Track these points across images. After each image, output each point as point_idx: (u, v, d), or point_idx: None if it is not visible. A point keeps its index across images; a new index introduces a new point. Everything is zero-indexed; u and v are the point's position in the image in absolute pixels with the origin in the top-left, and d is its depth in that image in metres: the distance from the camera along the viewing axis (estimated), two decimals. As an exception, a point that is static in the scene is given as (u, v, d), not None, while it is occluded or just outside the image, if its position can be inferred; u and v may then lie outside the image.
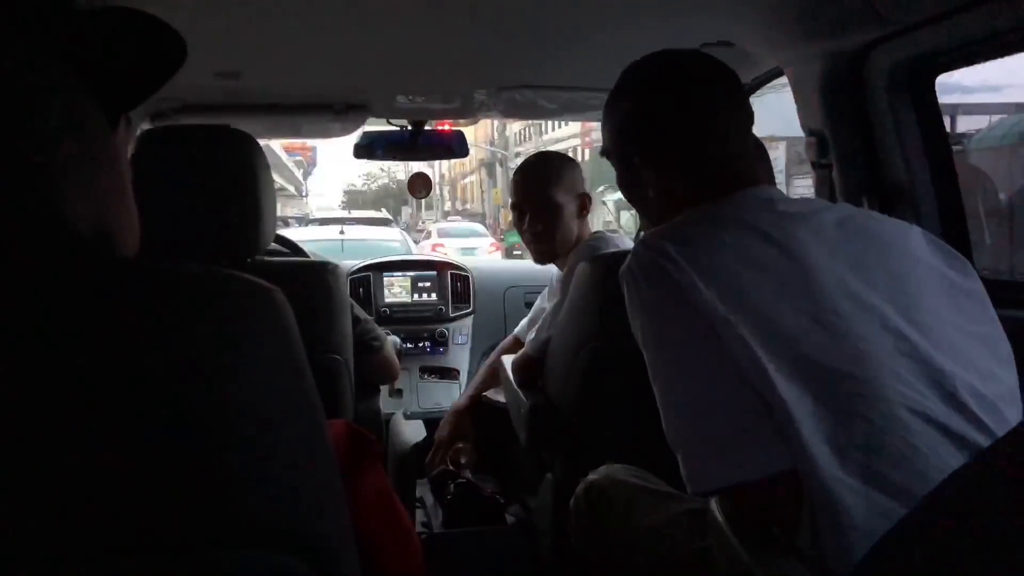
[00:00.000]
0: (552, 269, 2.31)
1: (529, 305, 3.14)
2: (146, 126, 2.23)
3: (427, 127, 2.69)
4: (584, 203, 2.16)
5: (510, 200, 2.25)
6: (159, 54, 0.65)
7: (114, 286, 0.48)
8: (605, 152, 1.24)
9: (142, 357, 0.46)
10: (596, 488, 1.32)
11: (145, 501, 0.44)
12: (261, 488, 0.48)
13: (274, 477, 0.49)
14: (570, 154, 3.46)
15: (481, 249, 16.33)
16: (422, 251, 11.05)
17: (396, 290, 3.13)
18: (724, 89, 1.14)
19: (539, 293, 3.15)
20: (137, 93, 0.65)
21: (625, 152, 1.19)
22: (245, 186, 1.44)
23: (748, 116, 1.16)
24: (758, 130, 1.65)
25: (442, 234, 19.04)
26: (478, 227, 22.06)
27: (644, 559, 1.17)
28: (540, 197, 2.12)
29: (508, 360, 2.12)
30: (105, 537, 0.43)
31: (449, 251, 13.57)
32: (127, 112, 0.65)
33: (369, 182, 55.99)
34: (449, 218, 37.16)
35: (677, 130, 1.12)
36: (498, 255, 16.26)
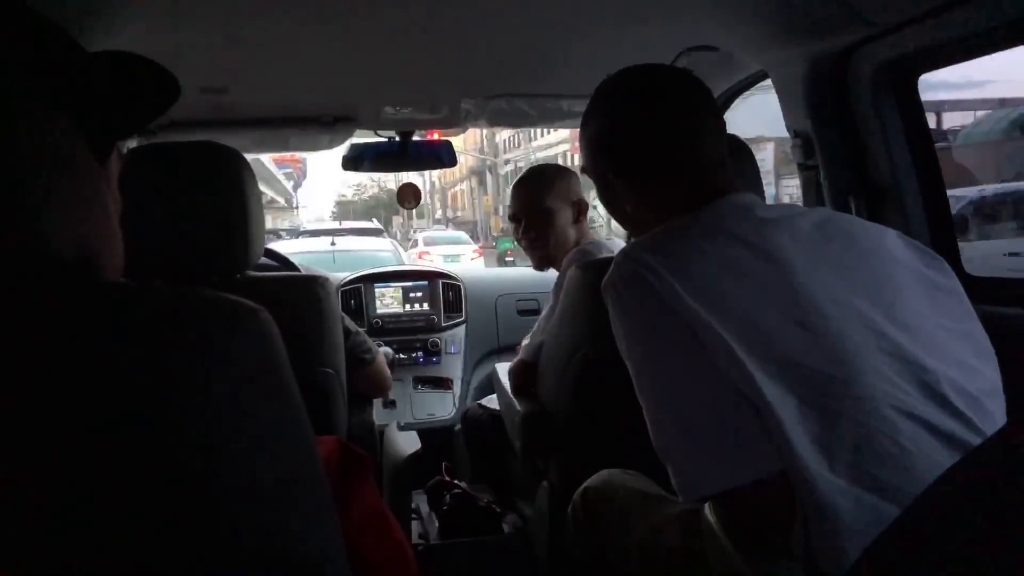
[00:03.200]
0: (552, 276, 2.33)
1: (521, 312, 3.15)
2: (133, 143, 2.22)
3: (415, 137, 2.69)
4: (581, 209, 2.21)
5: (509, 212, 2.31)
6: (151, 93, 0.66)
7: (95, 310, 0.48)
8: (583, 169, 1.26)
9: (124, 381, 0.45)
10: (592, 494, 1.32)
11: (131, 526, 0.44)
12: (250, 510, 0.48)
13: (263, 499, 0.49)
14: (559, 160, 3.49)
15: (465, 256, 17.13)
16: (410, 260, 11.07)
17: (388, 301, 3.13)
18: (694, 102, 1.15)
19: (531, 301, 3.16)
20: (128, 127, 0.66)
21: (600, 169, 1.20)
22: (233, 202, 1.44)
23: (720, 127, 1.17)
24: (746, 131, 1.67)
25: (428, 242, 19.47)
26: (462, 235, 23.20)
27: (638, 564, 1.17)
28: (533, 204, 2.18)
29: (502, 368, 2.12)
30: (90, 563, 0.43)
31: (434, 259, 13.75)
32: (117, 143, 0.65)
33: (359, 192, 55.99)
34: (434, 227, 37.36)
35: (648, 146, 1.13)
36: (481, 261, 16.83)
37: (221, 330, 0.50)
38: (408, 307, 3.13)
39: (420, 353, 3.10)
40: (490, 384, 2.54)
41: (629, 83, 1.18)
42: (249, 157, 1.57)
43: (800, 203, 1.86)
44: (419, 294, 3.15)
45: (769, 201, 1.36)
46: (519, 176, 2.35)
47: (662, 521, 1.16)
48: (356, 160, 2.72)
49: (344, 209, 54.82)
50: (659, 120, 1.13)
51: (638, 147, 1.14)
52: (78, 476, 0.43)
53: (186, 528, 0.46)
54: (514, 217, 2.25)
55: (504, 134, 35.52)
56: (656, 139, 1.13)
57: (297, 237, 14.39)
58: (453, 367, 3.11)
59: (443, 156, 2.80)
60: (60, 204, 0.55)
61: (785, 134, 1.86)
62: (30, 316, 0.46)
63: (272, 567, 0.48)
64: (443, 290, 3.16)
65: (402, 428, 2.40)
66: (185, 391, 0.47)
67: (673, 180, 1.13)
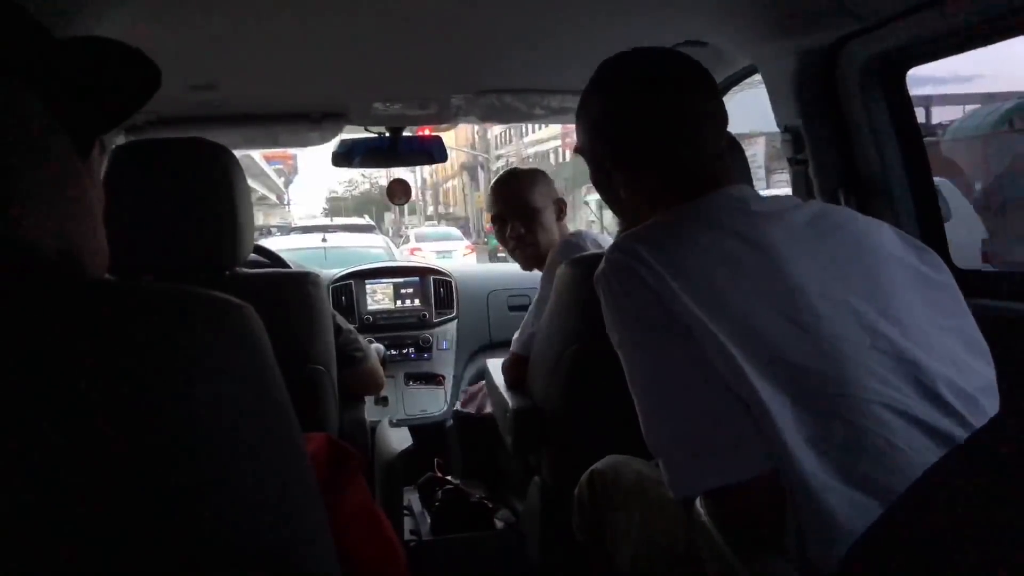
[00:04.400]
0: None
1: (512, 308, 3.15)
2: (121, 140, 2.21)
3: (406, 133, 2.68)
4: (561, 208, 2.23)
5: (492, 213, 2.29)
6: (132, 83, 0.65)
7: (76, 307, 0.47)
8: (579, 149, 1.22)
9: (106, 380, 0.45)
10: (599, 477, 1.31)
11: (114, 528, 0.44)
12: (236, 510, 0.47)
13: (250, 498, 0.48)
14: (551, 156, 3.50)
15: (456, 252, 16.89)
16: (402, 256, 11.04)
17: (379, 297, 3.12)
18: (697, 90, 1.12)
19: (522, 296, 3.17)
20: (110, 120, 0.65)
21: (597, 154, 1.17)
22: (221, 199, 1.43)
23: (722, 117, 1.14)
24: (737, 126, 1.67)
25: (420, 239, 19.34)
26: (453, 231, 22.95)
27: (637, 548, 1.17)
28: (518, 203, 2.18)
29: (493, 364, 2.12)
30: (73, 566, 0.43)
31: (426, 255, 13.70)
32: (100, 136, 0.64)
33: (351, 189, 55.83)
34: (426, 223, 37.29)
35: (649, 133, 1.10)
36: (473, 257, 16.71)
37: (205, 327, 0.50)
38: (399, 303, 3.13)
39: (411, 349, 3.10)
40: (482, 380, 2.54)
41: (633, 66, 1.15)
42: (239, 153, 1.56)
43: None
44: (410, 290, 3.15)
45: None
46: (496, 178, 2.35)
47: (662, 507, 1.15)
48: (346, 156, 2.71)
49: (335, 205, 54.61)
50: (661, 110, 1.10)
51: (637, 137, 1.11)
52: (58, 474, 0.43)
53: (168, 527, 0.45)
54: (498, 217, 2.24)
55: (495, 130, 35.48)
56: (657, 129, 1.10)
57: (288, 233, 14.34)
58: (445, 363, 3.11)
59: (434, 152, 2.80)
60: (40, 200, 0.54)
61: (775, 130, 1.87)
62: (9, 313, 0.45)
63: (259, 565, 0.48)
64: (434, 286, 3.15)
65: (394, 425, 2.40)
66: (167, 388, 0.46)
67: (671, 170, 1.10)
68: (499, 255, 17.52)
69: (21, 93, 0.55)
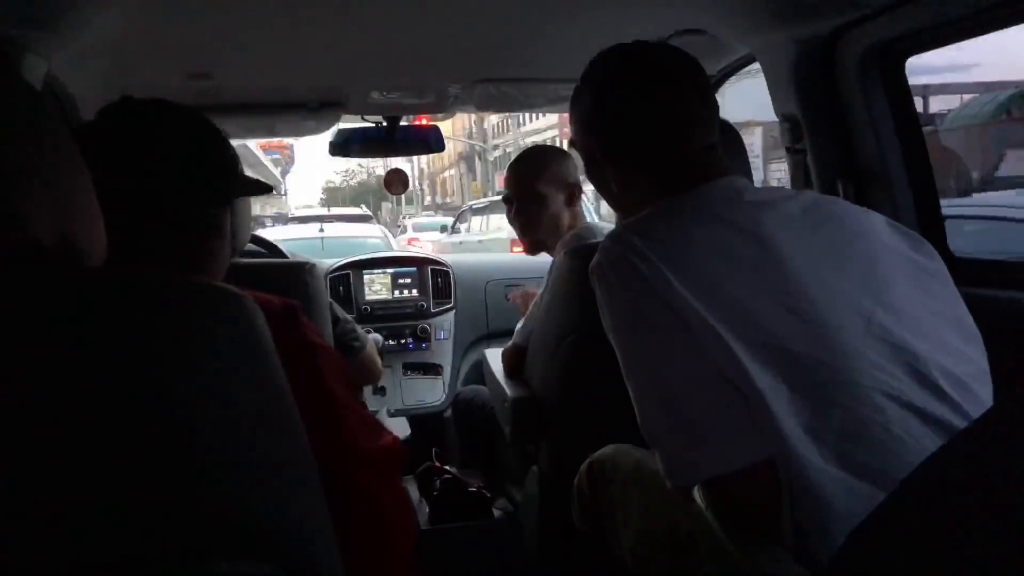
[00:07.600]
0: (541, 260, 2.31)
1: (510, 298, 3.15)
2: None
3: (403, 122, 2.67)
4: (574, 193, 2.16)
5: (503, 194, 2.27)
6: None
7: (76, 296, 0.47)
8: (572, 143, 1.24)
9: (106, 369, 0.45)
10: (597, 466, 1.32)
11: (116, 515, 0.44)
12: (233, 490, 0.48)
13: (249, 485, 0.49)
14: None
15: None
16: (399, 246, 11.02)
17: (376, 287, 3.12)
18: (688, 82, 1.13)
19: (519, 286, 3.16)
20: None
21: (589, 146, 1.18)
22: None
23: (713, 109, 1.15)
24: (736, 116, 1.66)
25: (417, 228, 19.21)
26: (450, 221, 22.57)
27: (637, 537, 1.17)
28: (525, 189, 2.14)
29: (491, 354, 2.12)
30: (76, 552, 0.43)
31: (424, 245, 13.68)
32: None
33: (348, 178, 55.73)
34: (424, 213, 37.21)
35: (639, 126, 1.11)
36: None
37: (206, 315, 0.50)
38: (397, 293, 3.13)
39: (410, 339, 3.10)
40: (479, 370, 2.54)
41: (622, 61, 1.16)
42: (236, 143, 1.55)
43: (788, 187, 1.86)
44: (408, 280, 3.15)
45: (757, 185, 1.35)
46: (515, 157, 2.31)
47: (661, 495, 1.16)
48: (343, 145, 2.70)
49: (332, 195, 54.50)
50: (650, 102, 1.11)
51: (628, 129, 1.12)
52: (61, 456, 0.43)
53: (168, 508, 0.45)
54: (507, 200, 2.22)
55: (493, 120, 35.40)
56: (646, 122, 1.11)
57: (285, 224, 14.30)
58: (443, 353, 3.11)
59: (431, 141, 2.79)
60: (39, 190, 0.54)
61: (773, 119, 1.86)
62: (10, 302, 0.45)
63: (257, 546, 0.48)
64: (432, 276, 3.15)
65: (392, 414, 2.40)
66: (169, 375, 0.47)
67: (662, 163, 1.11)
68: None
69: (21, 84, 0.55)
